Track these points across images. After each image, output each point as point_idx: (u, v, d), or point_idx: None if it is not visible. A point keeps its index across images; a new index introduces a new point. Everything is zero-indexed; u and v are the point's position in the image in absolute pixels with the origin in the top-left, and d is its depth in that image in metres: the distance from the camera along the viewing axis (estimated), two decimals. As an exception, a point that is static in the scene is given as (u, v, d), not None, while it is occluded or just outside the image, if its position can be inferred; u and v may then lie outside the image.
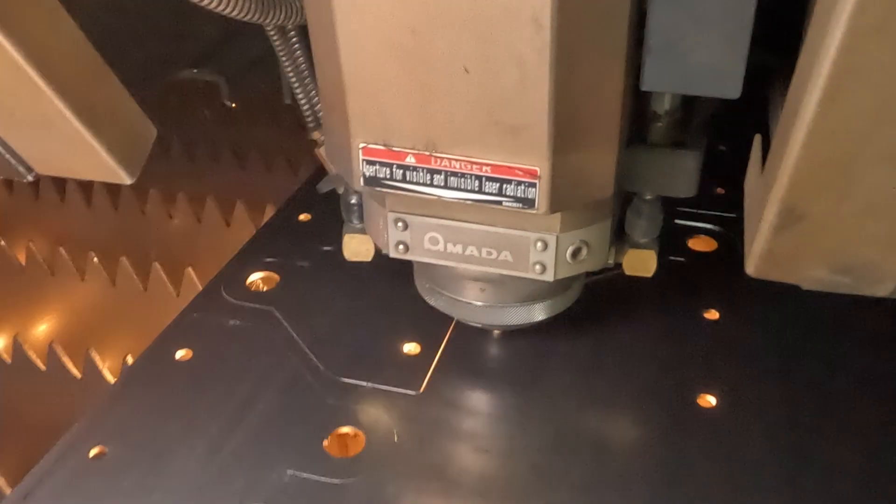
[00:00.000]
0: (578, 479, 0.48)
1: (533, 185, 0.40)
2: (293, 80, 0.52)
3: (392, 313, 0.60)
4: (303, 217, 0.72)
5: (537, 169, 0.39)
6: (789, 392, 0.53)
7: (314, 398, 0.54)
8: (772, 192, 0.32)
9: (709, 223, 0.67)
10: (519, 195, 0.41)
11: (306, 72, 0.52)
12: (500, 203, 0.41)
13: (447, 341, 0.57)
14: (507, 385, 0.55)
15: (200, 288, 0.69)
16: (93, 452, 0.50)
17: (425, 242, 0.47)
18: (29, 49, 0.37)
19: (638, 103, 0.43)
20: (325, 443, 0.50)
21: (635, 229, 0.49)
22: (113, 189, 0.91)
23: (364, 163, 0.42)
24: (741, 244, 0.45)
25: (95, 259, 0.84)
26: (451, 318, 0.57)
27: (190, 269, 0.80)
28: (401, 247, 0.48)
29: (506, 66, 0.36)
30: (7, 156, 0.44)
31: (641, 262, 0.50)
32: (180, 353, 0.57)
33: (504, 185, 0.41)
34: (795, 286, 0.55)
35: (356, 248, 0.54)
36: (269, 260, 0.66)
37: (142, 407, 0.54)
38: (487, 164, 0.40)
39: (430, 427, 0.52)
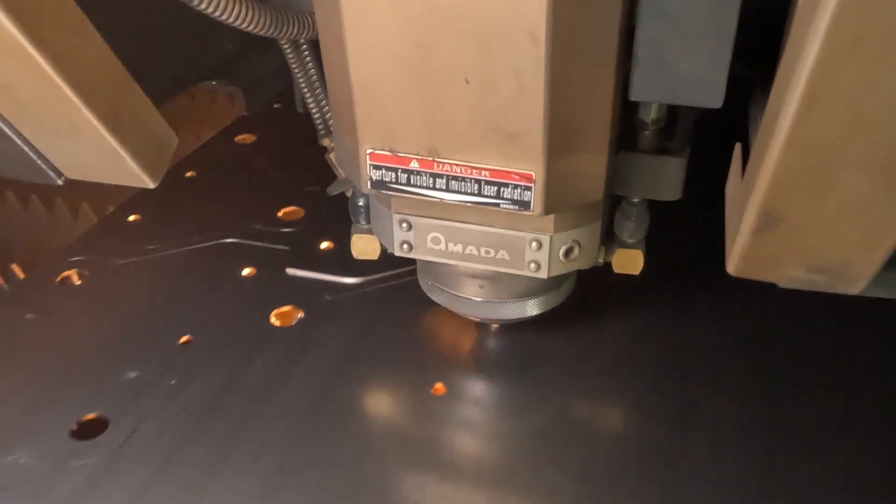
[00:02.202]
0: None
1: (528, 188, 0.40)
2: (305, 90, 0.52)
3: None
4: (132, 218, 0.73)
5: (533, 173, 0.39)
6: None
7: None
8: (751, 196, 0.32)
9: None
10: (515, 198, 0.40)
11: (317, 82, 0.52)
12: (497, 205, 0.41)
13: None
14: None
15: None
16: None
17: (428, 242, 0.47)
18: (59, 62, 0.36)
19: (626, 113, 0.43)
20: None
21: (624, 230, 0.49)
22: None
23: (371, 167, 0.42)
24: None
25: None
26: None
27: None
28: (405, 246, 0.47)
29: (504, 77, 0.36)
30: (38, 161, 0.43)
31: (629, 261, 0.50)
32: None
33: (502, 189, 0.40)
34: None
35: (363, 247, 0.53)
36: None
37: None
38: (486, 169, 0.40)
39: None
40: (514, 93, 0.36)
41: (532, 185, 0.40)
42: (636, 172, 0.45)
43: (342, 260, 0.64)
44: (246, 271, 0.65)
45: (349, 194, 0.52)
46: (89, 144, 0.40)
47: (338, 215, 0.61)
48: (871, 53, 0.26)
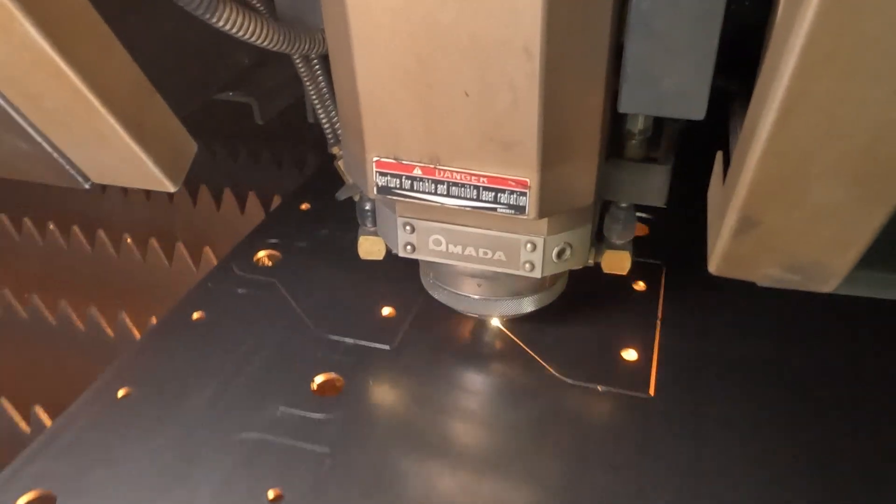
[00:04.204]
0: None
1: (524, 194, 0.40)
2: (316, 101, 0.52)
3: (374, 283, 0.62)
4: (304, 206, 0.74)
5: (528, 180, 0.39)
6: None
7: (304, 351, 0.56)
8: (731, 201, 0.32)
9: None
10: (511, 203, 0.41)
11: (327, 95, 0.52)
12: (495, 210, 0.41)
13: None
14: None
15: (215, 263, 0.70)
16: (120, 393, 0.52)
17: (430, 243, 0.47)
18: (86, 74, 0.36)
19: (615, 123, 0.43)
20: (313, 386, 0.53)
21: (612, 233, 0.49)
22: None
23: (377, 174, 0.42)
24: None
25: (129, 240, 0.86)
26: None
27: (208, 248, 0.82)
28: (408, 247, 0.48)
29: (500, 90, 0.36)
30: (67, 166, 0.44)
31: (618, 262, 0.50)
32: (196, 315, 0.60)
33: (498, 194, 0.40)
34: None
35: (369, 248, 0.54)
36: (273, 241, 0.68)
37: (163, 356, 0.56)
38: (484, 176, 0.40)
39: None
40: (510, 105, 0.37)
41: (527, 191, 0.40)
42: (624, 179, 0.45)
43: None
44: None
45: (356, 199, 0.53)
46: (114, 151, 0.41)
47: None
48: (842, 69, 0.26)
